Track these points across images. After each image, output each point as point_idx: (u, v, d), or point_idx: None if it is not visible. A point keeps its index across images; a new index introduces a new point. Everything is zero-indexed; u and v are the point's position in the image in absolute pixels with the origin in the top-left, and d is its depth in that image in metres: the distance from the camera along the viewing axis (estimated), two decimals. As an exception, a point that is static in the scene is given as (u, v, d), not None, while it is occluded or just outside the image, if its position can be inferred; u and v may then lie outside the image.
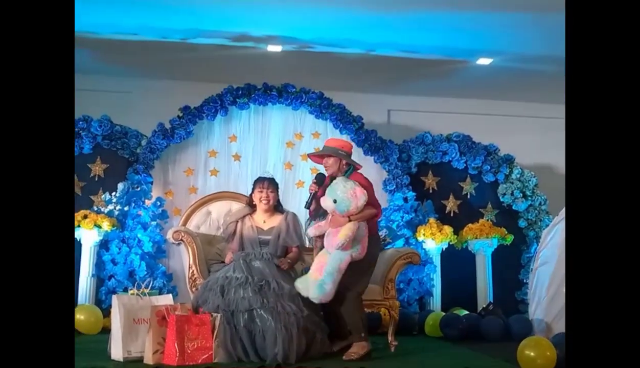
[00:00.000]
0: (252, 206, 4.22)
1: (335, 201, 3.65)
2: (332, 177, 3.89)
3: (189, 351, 3.40)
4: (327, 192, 3.73)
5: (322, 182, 3.92)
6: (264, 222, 4.14)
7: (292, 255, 4.07)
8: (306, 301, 3.66)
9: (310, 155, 4.24)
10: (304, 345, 3.52)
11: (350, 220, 3.67)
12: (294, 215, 4.17)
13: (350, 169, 3.92)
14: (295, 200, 5.52)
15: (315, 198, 3.89)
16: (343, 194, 3.65)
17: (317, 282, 3.58)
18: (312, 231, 3.83)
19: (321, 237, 3.80)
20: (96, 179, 5.70)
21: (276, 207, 4.21)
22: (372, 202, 3.80)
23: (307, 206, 3.93)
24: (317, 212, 3.91)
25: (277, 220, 4.14)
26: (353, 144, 5.89)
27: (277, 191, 4.22)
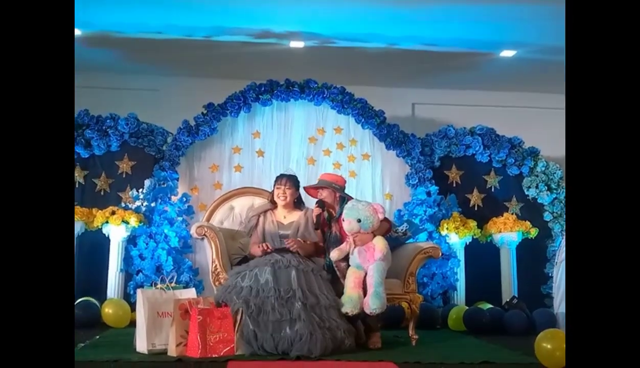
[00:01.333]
0: (273, 202, 4.31)
1: (359, 220, 3.90)
2: (328, 208, 4.21)
3: (211, 343, 3.47)
4: (345, 214, 3.97)
5: (323, 206, 4.18)
6: (284, 217, 4.25)
7: (308, 247, 4.10)
8: (331, 308, 3.72)
9: (305, 188, 4.45)
10: (330, 349, 3.53)
11: (375, 235, 3.94)
12: (313, 211, 4.23)
13: (344, 201, 4.16)
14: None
15: (320, 220, 4.13)
16: (365, 212, 3.92)
17: (371, 294, 3.74)
18: (334, 255, 3.97)
19: (343, 259, 3.99)
20: (124, 176, 5.82)
21: (296, 204, 4.32)
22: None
23: (317, 227, 4.14)
24: (323, 234, 4.18)
25: (297, 215, 4.25)
26: (376, 138, 5.99)
27: (297, 188, 4.32)
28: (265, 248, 4.01)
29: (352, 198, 4.24)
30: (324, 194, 4.25)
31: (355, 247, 3.92)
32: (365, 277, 3.86)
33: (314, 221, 4.13)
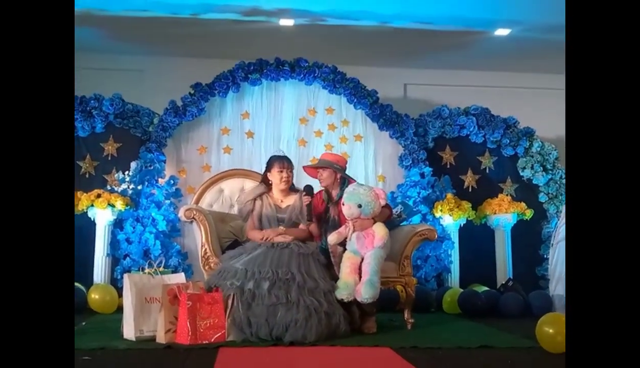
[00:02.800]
0: (267, 184, 4.16)
1: (360, 206, 3.78)
2: (326, 190, 4.09)
3: (202, 330, 3.36)
4: (346, 199, 3.83)
5: (312, 193, 4.05)
6: (281, 201, 4.12)
7: (299, 232, 4.00)
8: (328, 293, 3.61)
9: (305, 167, 4.32)
10: (324, 335, 3.44)
11: (375, 221, 3.82)
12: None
13: (345, 183, 4.05)
14: (309, 177, 5.43)
15: (311, 210, 4.00)
16: (366, 197, 3.80)
17: (365, 282, 3.63)
18: (333, 238, 3.84)
19: (339, 243, 3.87)
20: (109, 158, 5.66)
21: (291, 186, 4.19)
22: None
23: (310, 218, 4.01)
24: (319, 221, 4.05)
25: (292, 198, 4.12)
26: (368, 118, 5.87)
27: (293, 169, 4.19)
28: (266, 240, 3.88)
29: (354, 180, 4.11)
30: (324, 175, 4.11)
31: (354, 232, 3.80)
32: (361, 262, 3.75)
33: (306, 212, 3.99)
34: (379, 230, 3.78)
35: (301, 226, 4.06)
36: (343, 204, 3.84)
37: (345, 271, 3.72)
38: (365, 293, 3.60)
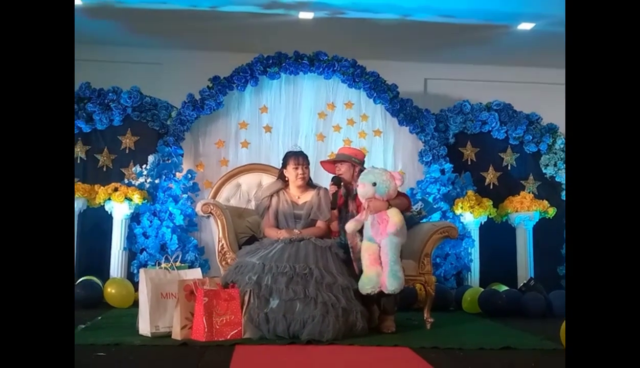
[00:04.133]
0: (284, 180, 4.10)
1: (374, 184, 3.69)
2: (345, 185, 4.00)
3: (218, 326, 3.31)
4: (361, 179, 3.75)
5: (339, 183, 3.96)
6: (298, 197, 4.07)
7: (315, 230, 3.94)
8: (347, 289, 3.54)
9: (322, 162, 4.26)
10: (342, 332, 3.37)
11: (390, 205, 3.71)
12: (326, 190, 4.06)
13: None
14: (327, 174, 5.36)
15: (337, 198, 3.92)
16: (381, 176, 3.71)
17: (388, 274, 3.53)
18: (350, 226, 3.74)
19: (355, 236, 3.76)
20: (127, 152, 5.62)
21: (309, 182, 4.13)
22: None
23: (334, 206, 3.93)
24: (340, 213, 3.97)
25: (310, 195, 4.07)
26: (388, 113, 5.78)
27: (309, 165, 4.12)
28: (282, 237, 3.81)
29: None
30: (343, 169, 4.03)
31: (369, 214, 3.68)
32: (380, 252, 3.65)
33: (330, 199, 3.92)
34: (394, 216, 3.65)
35: (319, 223, 4.00)
36: (357, 185, 3.74)
37: (366, 264, 3.61)
38: (390, 285, 3.52)
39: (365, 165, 4.13)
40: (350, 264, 3.74)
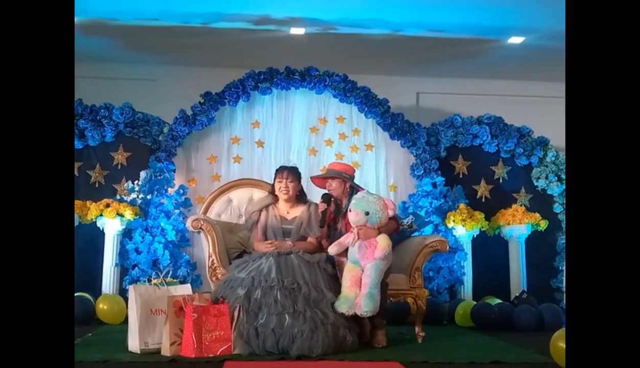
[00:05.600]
0: (274, 195, 4.12)
1: (367, 213, 3.69)
2: (336, 201, 4.00)
3: (207, 342, 3.30)
4: (354, 205, 3.74)
5: (329, 201, 3.95)
6: (287, 212, 4.07)
7: (307, 245, 3.95)
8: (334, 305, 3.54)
9: (313, 178, 4.25)
10: (332, 348, 3.36)
11: (380, 232, 3.71)
12: (317, 205, 4.06)
13: (353, 192, 3.96)
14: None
15: (326, 216, 3.91)
16: (375, 206, 3.71)
17: (365, 295, 3.53)
18: (333, 249, 3.76)
19: (342, 254, 3.78)
20: (119, 168, 5.63)
21: (299, 197, 4.12)
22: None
23: (322, 225, 3.92)
24: (329, 230, 3.97)
25: (300, 210, 4.06)
26: (379, 127, 5.81)
27: (299, 180, 4.12)
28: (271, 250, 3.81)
29: (362, 189, 4.04)
30: (333, 185, 4.04)
31: (357, 240, 3.70)
32: (362, 275, 3.65)
33: (319, 217, 3.92)
34: (382, 241, 3.68)
35: (310, 239, 4.00)
36: (350, 211, 3.75)
37: (346, 284, 3.62)
38: (365, 306, 3.50)
39: (355, 180, 4.14)
40: (337, 280, 3.74)
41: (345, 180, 4.04)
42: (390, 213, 3.78)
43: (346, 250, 3.77)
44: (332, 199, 3.98)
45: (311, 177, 4.29)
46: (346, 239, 3.75)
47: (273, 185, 4.14)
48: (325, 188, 4.11)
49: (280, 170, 4.09)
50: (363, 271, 3.66)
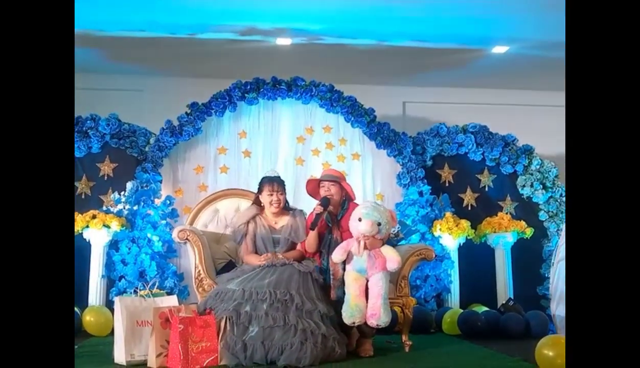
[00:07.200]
0: (260, 205, 4.12)
1: (379, 224, 3.67)
2: (329, 210, 3.93)
3: (194, 354, 3.29)
4: (365, 215, 3.67)
5: (327, 205, 3.90)
6: (275, 222, 4.08)
7: (296, 253, 3.97)
8: (325, 316, 3.54)
9: (310, 180, 4.16)
10: (319, 359, 3.36)
11: (383, 243, 3.73)
12: (301, 212, 4.10)
13: (345, 203, 3.97)
14: (307, 197, 5.36)
15: (318, 220, 3.86)
16: (385, 218, 3.71)
17: (382, 306, 3.56)
18: (338, 257, 3.71)
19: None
20: (105, 179, 5.62)
21: (285, 206, 4.14)
22: None
23: (313, 227, 3.87)
24: (323, 238, 3.93)
25: (286, 219, 4.08)
26: (366, 137, 5.84)
27: (285, 190, 4.13)
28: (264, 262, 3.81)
29: (355, 196, 4.03)
30: (333, 190, 3.98)
31: (364, 250, 3.66)
32: (367, 285, 3.65)
33: (313, 219, 3.86)
34: (393, 253, 3.67)
35: (298, 246, 4.02)
36: (360, 220, 3.67)
37: (355, 293, 3.60)
38: (385, 316, 3.53)
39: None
40: (328, 290, 3.74)
41: (342, 188, 4.00)
42: (394, 225, 3.80)
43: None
44: (329, 205, 3.92)
45: (309, 180, 4.21)
46: (348, 246, 3.71)
47: (257, 196, 4.13)
48: (317, 193, 4.05)
49: (270, 182, 4.07)
50: (368, 281, 3.65)
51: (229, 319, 3.40)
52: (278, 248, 3.99)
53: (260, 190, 4.10)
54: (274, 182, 4.07)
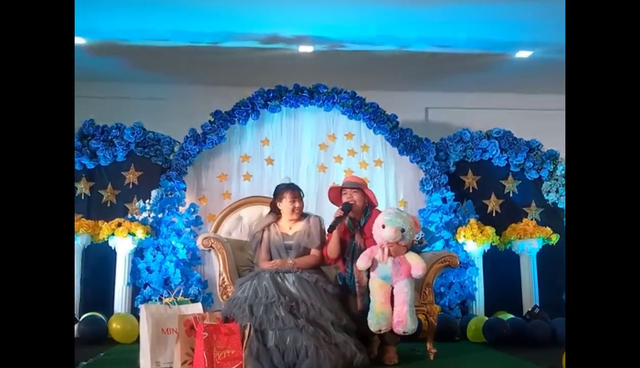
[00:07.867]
0: (277, 212, 4.12)
1: (403, 230, 3.67)
2: (351, 217, 3.90)
3: (218, 361, 3.28)
4: (389, 222, 3.68)
5: (348, 211, 3.88)
6: (290, 228, 4.08)
7: (309, 259, 3.95)
8: (335, 323, 3.53)
9: (332, 187, 4.15)
10: (340, 365, 3.35)
11: (407, 250, 3.73)
12: (316, 217, 4.09)
13: (367, 210, 3.94)
14: (330, 204, 5.36)
15: (337, 224, 3.85)
16: (409, 224, 3.71)
17: (408, 312, 3.57)
18: (362, 264, 3.70)
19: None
20: (130, 187, 5.69)
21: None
22: None
23: (331, 230, 3.85)
24: (347, 245, 3.89)
25: (300, 225, 4.07)
26: (388, 143, 5.82)
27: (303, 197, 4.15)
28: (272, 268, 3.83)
29: (377, 203, 4.01)
30: (355, 197, 3.94)
31: (389, 257, 3.66)
32: (392, 292, 3.65)
33: (332, 223, 3.83)
34: (418, 260, 3.67)
35: (313, 252, 3.99)
36: (383, 227, 3.68)
37: (380, 301, 3.60)
38: (412, 323, 3.54)
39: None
40: (350, 297, 3.73)
41: (364, 196, 3.97)
42: (417, 231, 3.80)
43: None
44: (350, 210, 3.90)
45: (331, 187, 4.19)
46: (372, 253, 3.70)
47: (275, 203, 4.13)
48: (339, 200, 4.02)
49: (290, 190, 4.07)
50: (393, 288, 3.65)
51: (251, 325, 3.42)
52: (291, 254, 3.96)
53: (279, 198, 4.10)
54: (295, 190, 4.08)
